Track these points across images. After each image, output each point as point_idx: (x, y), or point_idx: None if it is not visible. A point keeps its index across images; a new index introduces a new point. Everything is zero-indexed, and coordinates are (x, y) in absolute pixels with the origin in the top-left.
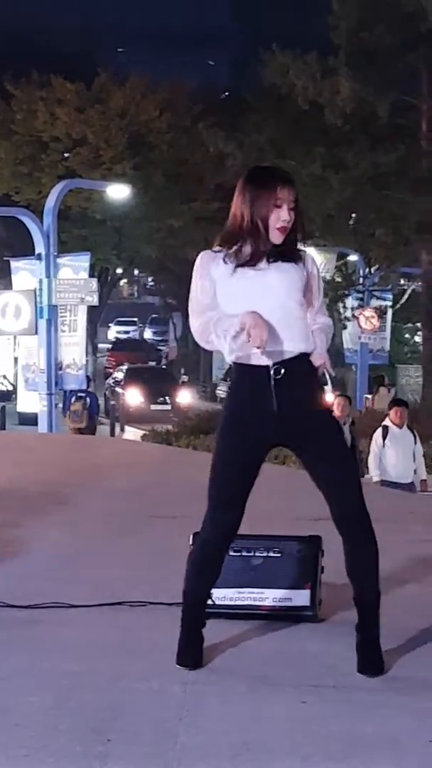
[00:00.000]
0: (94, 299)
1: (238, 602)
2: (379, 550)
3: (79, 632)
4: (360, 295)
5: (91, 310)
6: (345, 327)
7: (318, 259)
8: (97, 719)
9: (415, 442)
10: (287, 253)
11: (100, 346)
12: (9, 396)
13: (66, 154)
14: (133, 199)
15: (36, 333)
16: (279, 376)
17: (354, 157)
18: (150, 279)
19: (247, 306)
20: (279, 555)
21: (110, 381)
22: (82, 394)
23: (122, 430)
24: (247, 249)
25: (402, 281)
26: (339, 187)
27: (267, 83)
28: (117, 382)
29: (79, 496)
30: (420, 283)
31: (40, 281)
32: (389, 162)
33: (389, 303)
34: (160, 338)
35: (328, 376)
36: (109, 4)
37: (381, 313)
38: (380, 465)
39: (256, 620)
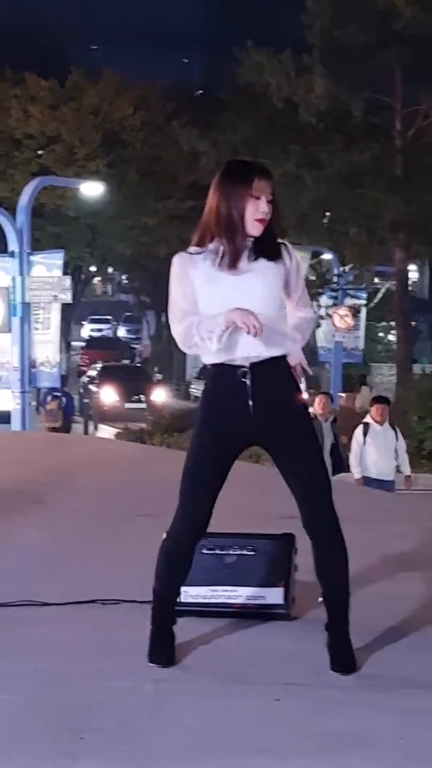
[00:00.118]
0: (67, 297)
1: (211, 600)
2: (347, 552)
3: (52, 630)
4: (334, 294)
5: (65, 307)
6: (319, 325)
7: None
8: (69, 717)
9: (397, 439)
10: (268, 248)
11: (74, 344)
12: None
13: (40, 152)
14: (106, 196)
15: (9, 331)
16: (248, 379)
17: (328, 156)
18: (124, 277)
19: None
20: (252, 553)
21: (84, 379)
22: (58, 393)
23: (96, 428)
24: (226, 247)
25: (376, 280)
26: (313, 185)
27: (241, 81)
28: (91, 380)
29: (53, 494)
30: (394, 282)
31: (13, 279)
32: (363, 161)
33: (363, 302)
34: (133, 336)
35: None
36: (83, 2)
37: (355, 311)
38: (362, 462)
39: (229, 618)
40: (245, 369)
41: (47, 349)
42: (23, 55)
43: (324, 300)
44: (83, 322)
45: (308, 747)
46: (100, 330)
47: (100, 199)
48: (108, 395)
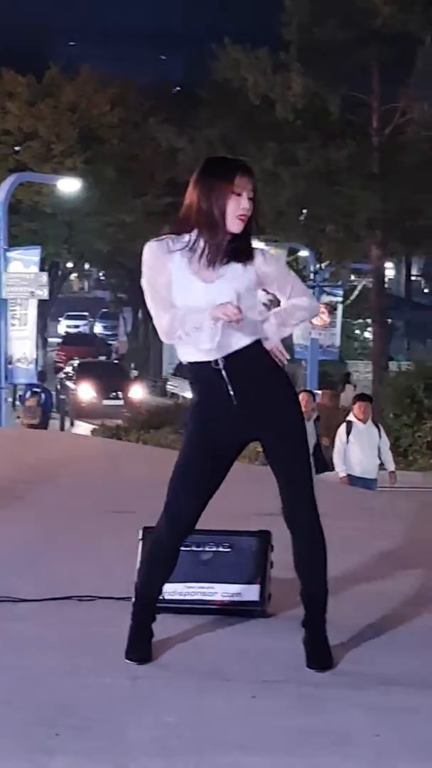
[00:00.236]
0: (44, 293)
1: (188, 597)
2: (326, 549)
3: (28, 627)
4: (310, 291)
5: (42, 304)
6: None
7: None
8: (45, 714)
9: (380, 436)
10: (242, 249)
11: (50, 340)
12: None
13: (17, 148)
14: (84, 193)
15: None
16: (222, 366)
17: (305, 153)
18: (101, 273)
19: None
20: (229, 550)
21: (61, 375)
22: (38, 390)
23: (72, 424)
24: (201, 244)
25: (352, 277)
26: (290, 182)
27: (218, 78)
28: (68, 377)
29: (30, 491)
30: (370, 279)
31: None
32: (340, 158)
33: (340, 299)
34: (110, 333)
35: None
36: None
37: (331, 309)
38: (345, 461)
39: (205, 615)
40: (220, 362)
41: (24, 345)
42: (0, 51)
43: None
44: (60, 319)
45: (285, 743)
46: (76, 326)
47: (77, 196)
48: (85, 392)
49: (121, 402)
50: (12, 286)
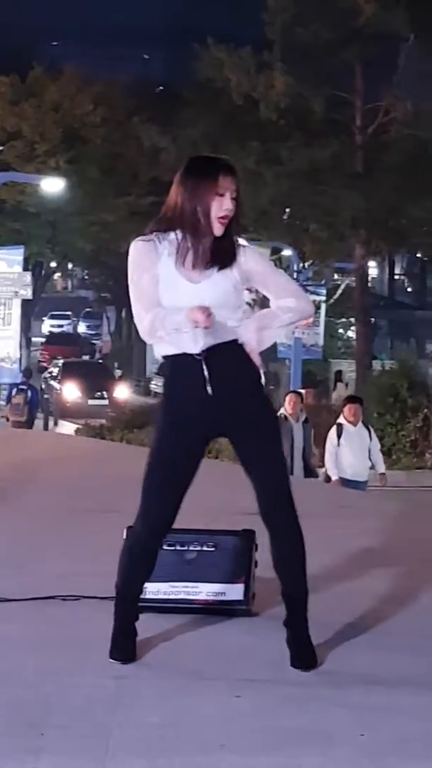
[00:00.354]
0: (27, 293)
1: (172, 596)
2: (305, 548)
3: (12, 626)
4: (301, 291)
5: (25, 303)
6: None
7: None
8: (30, 713)
9: (371, 438)
10: (225, 251)
11: (34, 339)
12: None
13: (0, 148)
14: (67, 192)
15: None
16: (203, 357)
17: (289, 152)
18: (84, 273)
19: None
20: (213, 549)
21: (46, 375)
22: (24, 387)
23: (56, 424)
24: (190, 245)
25: (336, 276)
26: (274, 182)
27: (201, 78)
28: (53, 377)
29: (14, 490)
30: (353, 278)
31: None
32: (324, 157)
33: (323, 298)
34: (93, 332)
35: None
36: None
37: (315, 308)
38: (337, 463)
39: (189, 614)
40: (201, 354)
41: (8, 345)
42: None
43: None
44: (43, 318)
45: (269, 743)
46: (60, 326)
47: (60, 196)
48: (70, 392)
49: (106, 402)
50: None
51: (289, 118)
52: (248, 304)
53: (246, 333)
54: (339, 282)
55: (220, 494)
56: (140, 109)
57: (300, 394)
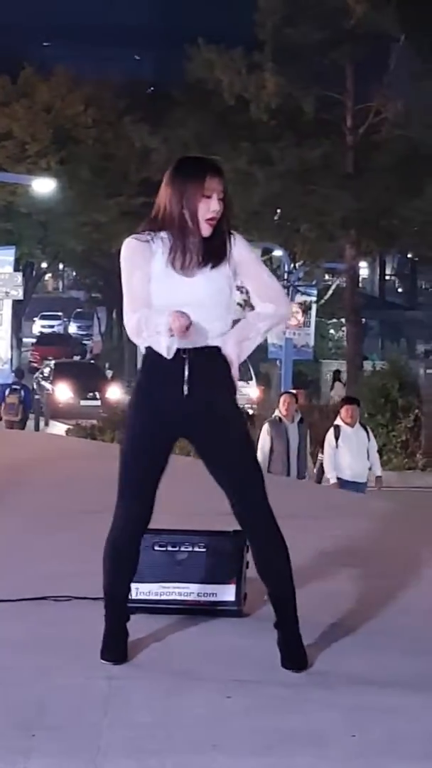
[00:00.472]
0: (19, 293)
1: (163, 597)
2: (287, 548)
3: (2, 627)
4: (285, 291)
5: (16, 304)
6: None
7: None
8: (21, 714)
9: (369, 439)
10: (216, 249)
11: (25, 340)
12: None
13: None
14: (58, 193)
15: None
16: (187, 359)
17: (280, 153)
18: (75, 273)
19: (171, 306)
20: (204, 550)
21: (38, 375)
22: (17, 387)
23: (46, 424)
24: (176, 246)
25: (326, 277)
26: (265, 182)
27: (192, 78)
28: (45, 377)
29: (5, 491)
30: (344, 279)
31: None
32: (314, 157)
33: (314, 298)
34: (84, 333)
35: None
36: None
37: (305, 308)
38: (336, 465)
39: (181, 615)
40: (185, 351)
41: None
42: None
43: None
44: (34, 319)
45: (261, 744)
46: (51, 326)
47: (51, 196)
48: (63, 392)
49: (98, 402)
50: None
51: (280, 118)
52: (239, 305)
53: (227, 347)
54: (330, 282)
55: (210, 495)
56: (131, 110)
57: (294, 394)
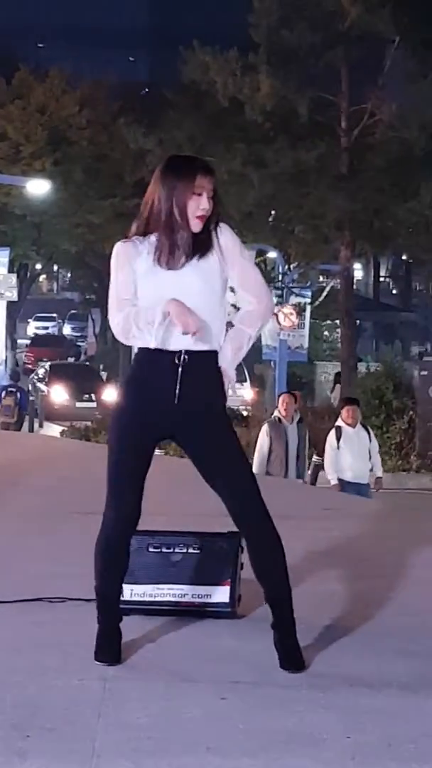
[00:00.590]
0: (13, 295)
1: (157, 598)
2: (284, 548)
3: None
4: (279, 292)
5: (10, 305)
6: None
7: None
8: (16, 716)
9: (370, 440)
10: (205, 244)
11: (19, 341)
12: None
13: None
14: (52, 194)
15: None
16: (183, 362)
17: (274, 155)
18: (69, 274)
19: (159, 301)
20: (198, 551)
21: (33, 377)
22: (13, 389)
23: (41, 426)
24: (165, 241)
25: (321, 278)
26: (259, 184)
27: (187, 80)
28: (40, 379)
29: (0, 492)
30: (338, 281)
31: None
32: (309, 159)
33: (308, 300)
34: (78, 334)
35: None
36: (30, 0)
37: (300, 310)
38: (337, 466)
39: (175, 616)
40: (181, 353)
41: None
42: None
43: None
44: (29, 320)
45: (256, 745)
46: (45, 328)
47: (46, 197)
48: (58, 394)
49: (94, 404)
50: None
51: (274, 120)
52: (233, 305)
53: (224, 362)
54: (324, 284)
55: (204, 496)
56: (125, 111)
57: (293, 395)
